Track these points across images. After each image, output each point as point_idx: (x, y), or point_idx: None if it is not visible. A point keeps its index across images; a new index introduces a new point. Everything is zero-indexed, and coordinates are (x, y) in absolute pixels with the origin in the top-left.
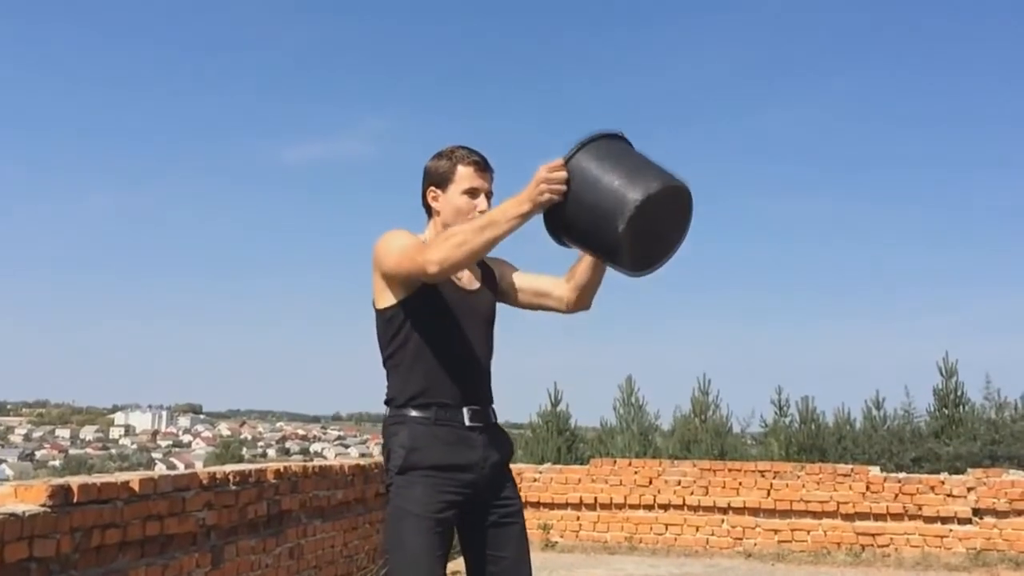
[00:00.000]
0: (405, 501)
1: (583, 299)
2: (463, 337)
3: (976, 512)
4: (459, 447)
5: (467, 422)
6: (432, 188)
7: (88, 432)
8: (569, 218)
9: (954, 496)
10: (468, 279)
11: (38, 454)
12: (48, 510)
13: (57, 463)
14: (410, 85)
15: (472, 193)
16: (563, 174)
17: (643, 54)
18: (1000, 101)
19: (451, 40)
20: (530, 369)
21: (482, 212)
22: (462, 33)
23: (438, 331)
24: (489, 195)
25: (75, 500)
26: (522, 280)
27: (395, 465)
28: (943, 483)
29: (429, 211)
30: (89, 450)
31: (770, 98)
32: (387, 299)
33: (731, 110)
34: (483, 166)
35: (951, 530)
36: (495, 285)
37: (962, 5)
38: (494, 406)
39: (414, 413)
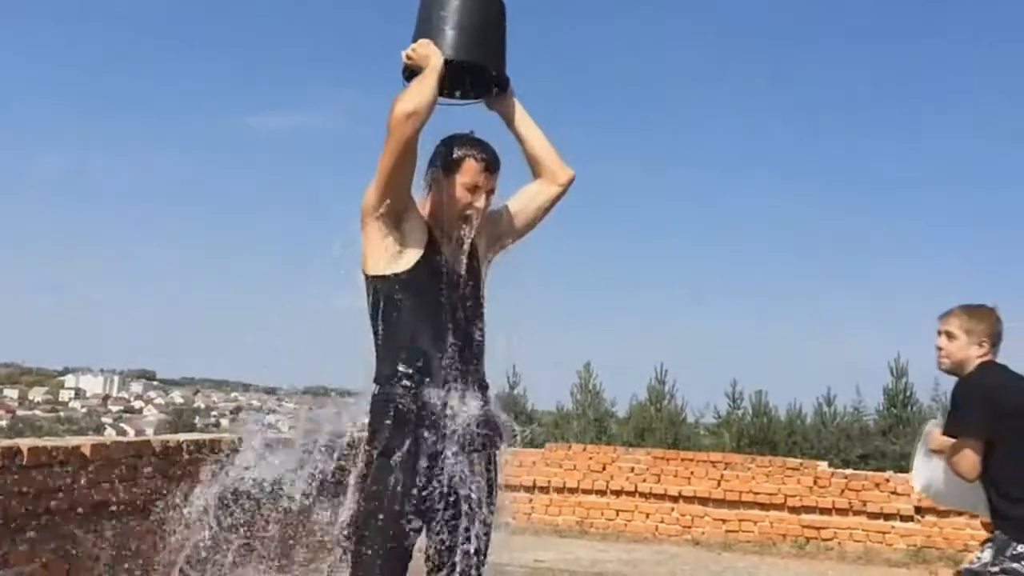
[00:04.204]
0: (382, 482)
1: (554, 166)
2: (452, 319)
3: (918, 510)
4: (443, 430)
5: (454, 405)
6: (437, 170)
7: (37, 394)
8: (453, 37)
9: (898, 494)
10: (458, 262)
11: None
12: None
13: (4, 423)
14: (382, 59)
15: (472, 188)
16: (419, 40)
17: (611, 37)
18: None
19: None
20: (487, 351)
21: (478, 208)
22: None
23: (428, 311)
24: (490, 192)
25: (24, 463)
26: (513, 208)
27: (377, 445)
28: (888, 480)
29: (428, 187)
30: (38, 412)
31: (737, 93)
32: (376, 263)
33: (693, 104)
34: (491, 167)
35: (893, 526)
36: (479, 266)
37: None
38: (488, 390)
39: (401, 394)
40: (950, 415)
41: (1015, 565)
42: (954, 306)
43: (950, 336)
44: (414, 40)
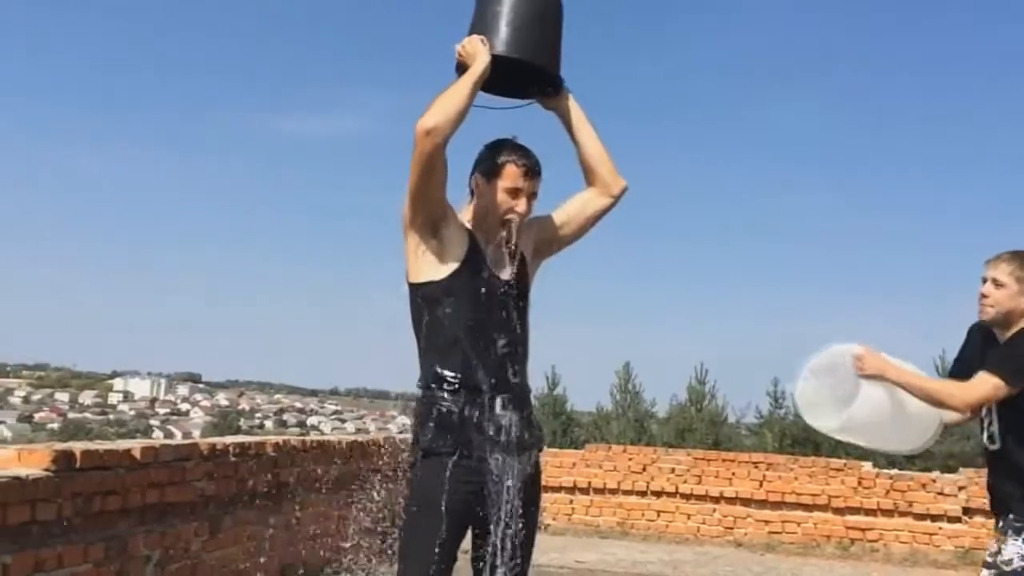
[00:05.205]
0: (426, 484)
1: (608, 176)
2: (496, 324)
3: (966, 511)
4: (486, 433)
5: (498, 410)
6: (478, 175)
7: (87, 397)
8: (508, 33)
9: (945, 494)
10: (500, 266)
11: (37, 417)
12: (51, 475)
13: (55, 426)
14: (415, 61)
15: (514, 193)
16: (470, 36)
17: (639, 45)
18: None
19: (458, 13)
20: (530, 355)
21: (519, 213)
22: (469, 7)
23: (470, 316)
24: (532, 197)
25: (78, 466)
26: (559, 217)
27: (421, 447)
28: (934, 481)
29: (471, 192)
30: (88, 415)
31: (769, 93)
32: (418, 271)
33: (729, 104)
34: (533, 172)
35: (940, 528)
36: (527, 271)
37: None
38: (530, 394)
39: (443, 396)
40: (1004, 354)
41: None
42: (1003, 251)
43: (997, 283)
44: (469, 34)
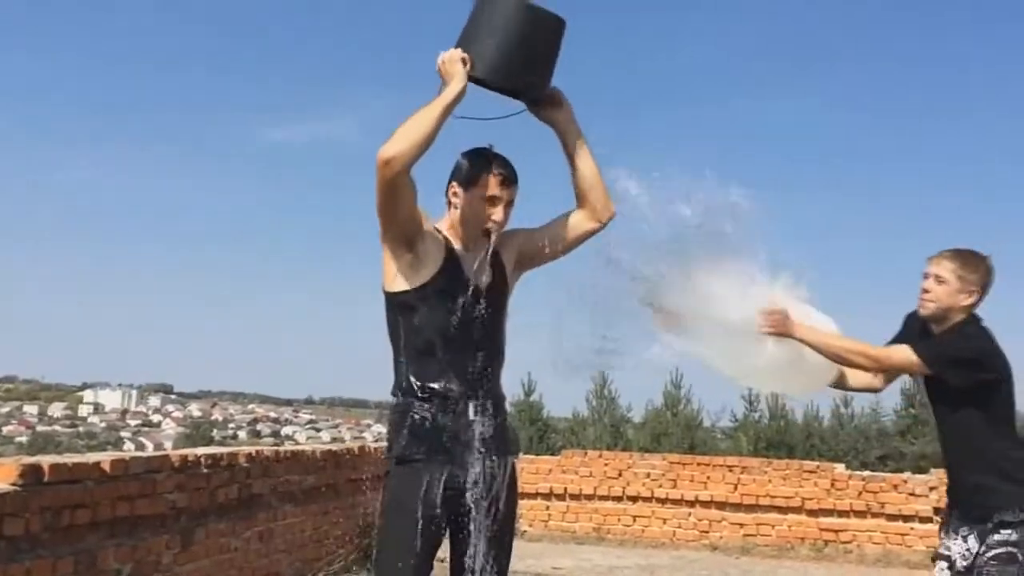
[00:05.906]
0: (401, 492)
1: (597, 203)
2: (471, 332)
3: (937, 511)
4: (460, 441)
5: (471, 416)
6: (455, 184)
7: (56, 409)
8: (493, 54)
9: (916, 495)
10: (478, 275)
11: (5, 430)
12: (19, 489)
13: (24, 439)
14: (414, 61)
15: (491, 202)
16: (452, 51)
17: (638, 38)
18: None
19: (450, 16)
20: (506, 362)
21: (496, 221)
22: (462, 10)
23: (445, 324)
24: (509, 205)
25: (46, 479)
26: (545, 233)
27: (395, 455)
28: (906, 482)
29: (448, 201)
30: (57, 427)
31: (768, 90)
32: (394, 281)
33: (728, 101)
34: (510, 180)
35: (912, 528)
36: (506, 280)
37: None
38: (505, 402)
39: (417, 404)
40: (934, 342)
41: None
42: (944, 249)
43: (939, 280)
44: (457, 43)
